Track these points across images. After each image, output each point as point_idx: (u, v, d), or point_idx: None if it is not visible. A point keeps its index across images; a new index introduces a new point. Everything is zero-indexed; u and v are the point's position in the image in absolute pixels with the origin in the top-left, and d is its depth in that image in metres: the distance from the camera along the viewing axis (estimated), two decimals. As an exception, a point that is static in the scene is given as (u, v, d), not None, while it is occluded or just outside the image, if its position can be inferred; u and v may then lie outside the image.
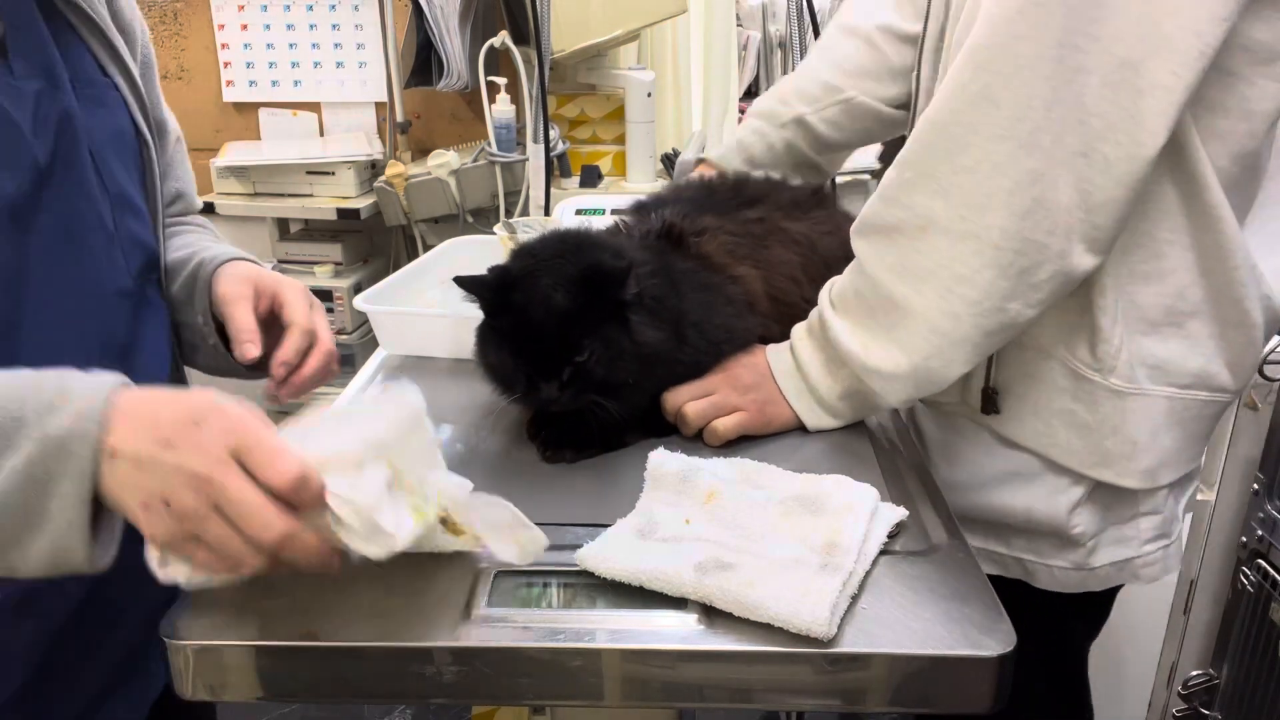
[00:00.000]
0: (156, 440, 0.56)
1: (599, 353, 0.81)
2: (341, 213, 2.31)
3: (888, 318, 0.84)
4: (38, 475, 0.56)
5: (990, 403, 0.91)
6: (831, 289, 0.90)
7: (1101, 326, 0.84)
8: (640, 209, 1.07)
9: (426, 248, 1.92)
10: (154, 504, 0.56)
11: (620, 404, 0.83)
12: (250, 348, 0.83)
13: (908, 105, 1.19)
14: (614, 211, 1.14)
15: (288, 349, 0.84)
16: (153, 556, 0.59)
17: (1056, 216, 0.77)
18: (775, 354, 0.93)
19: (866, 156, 1.97)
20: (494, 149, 2.16)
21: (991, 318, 0.80)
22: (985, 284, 0.79)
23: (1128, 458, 0.88)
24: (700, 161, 1.31)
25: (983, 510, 0.96)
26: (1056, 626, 1.03)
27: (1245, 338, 0.87)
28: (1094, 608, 1.04)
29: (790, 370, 0.91)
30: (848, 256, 0.88)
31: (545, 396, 0.82)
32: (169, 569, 0.59)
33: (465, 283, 0.84)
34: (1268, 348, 1.28)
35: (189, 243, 0.94)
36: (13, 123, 0.71)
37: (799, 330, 0.93)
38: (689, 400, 0.89)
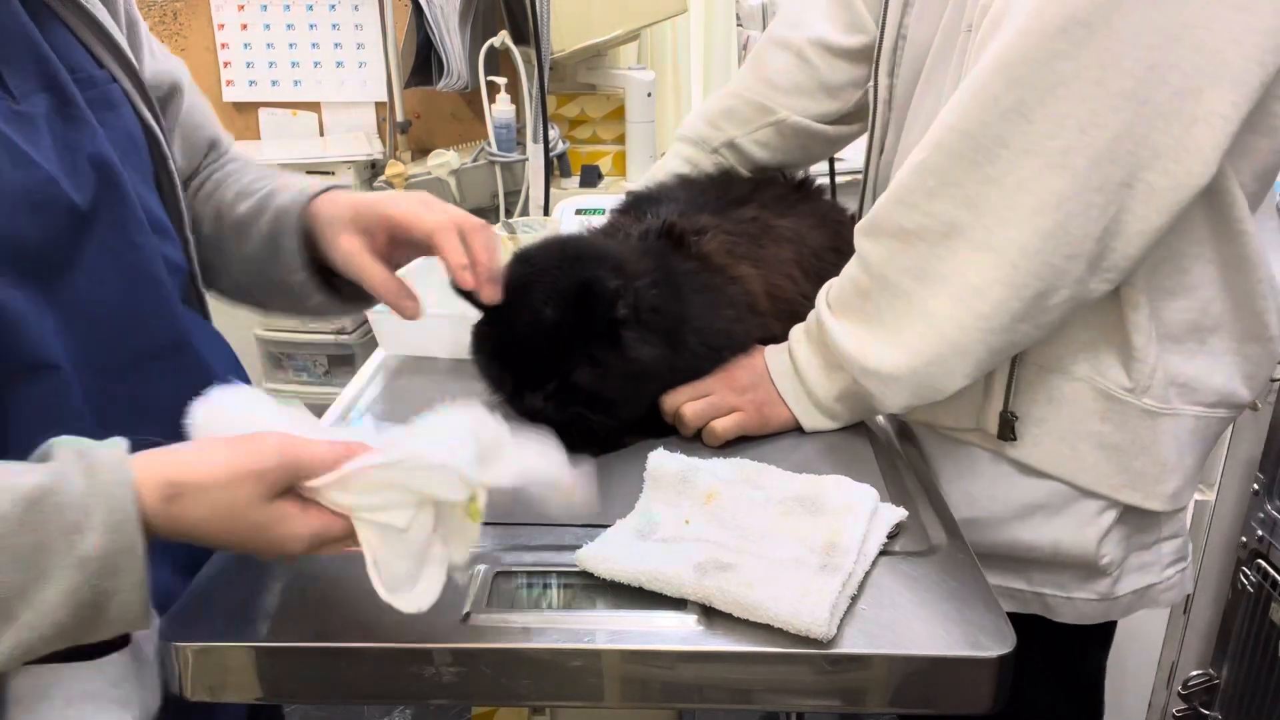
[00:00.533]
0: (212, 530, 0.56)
1: (585, 370, 0.81)
2: (342, 213, 2.31)
3: (896, 318, 0.82)
4: (85, 600, 0.52)
5: (1008, 429, 0.87)
6: (829, 291, 0.89)
7: (1136, 345, 0.81)
8: (635, 205, 1.06)
9: (426, 248, 1.91)
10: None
11: (609, 417, 0.83)
12: (410, 305, 0.79)
13: (844, 121, 1.17)
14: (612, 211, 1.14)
15: (453, 255, 0.77)
16: None
17: (1080, 242, 0.74)
18: (773, 355, 0.93)
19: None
20: (494, 149, 2.16)
21: (998, 336, 0.79)
22: (996, 300, 0.77)
23: (1156, 479, 0.85)
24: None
25: (1004, 547, 0.91)
26: (1077, 655, 1.00)
27: (1263, 351, 0.85)
28: (1108, 628, 1.02)
29: (788, 372, 0.91)
30: (835, 248, 0.88)
31: (529, 407, 0.82)
32: None
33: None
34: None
35: (246, 189, 0.86)
36: (32, 163, 0.63)
37: (797, 332, 0.93)
38: (687, 401, 0.89)
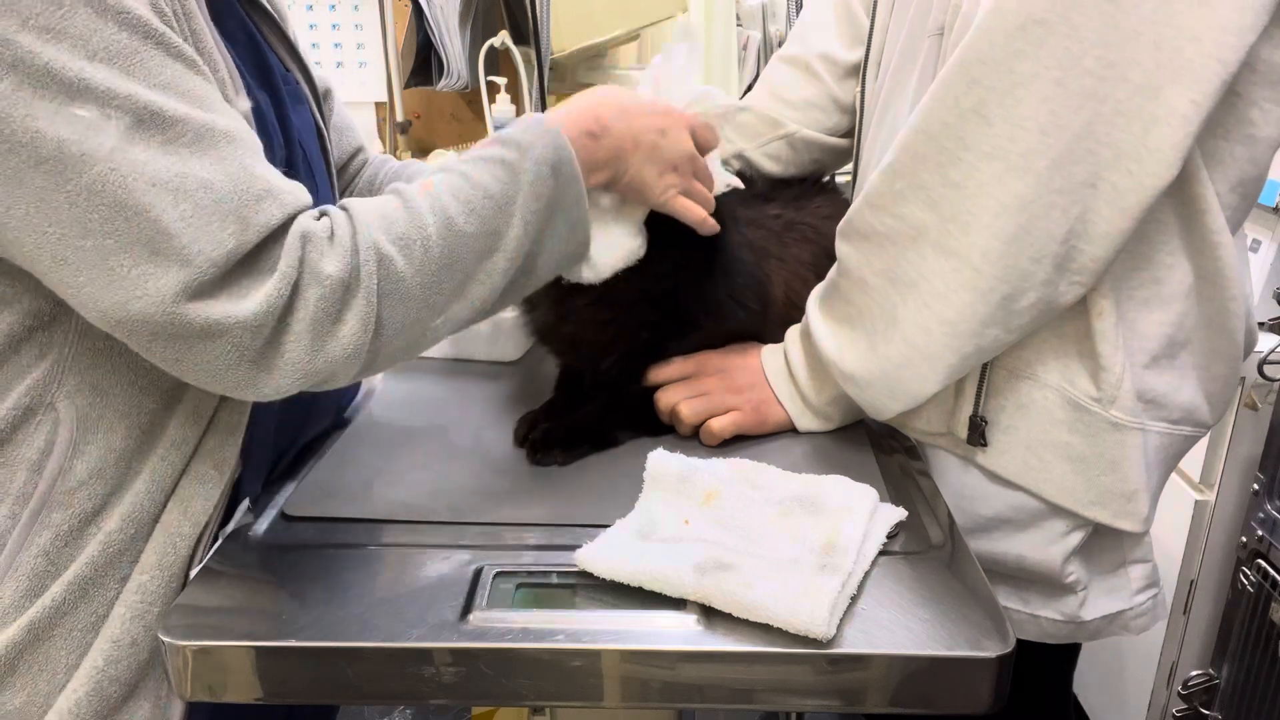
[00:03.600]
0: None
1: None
2: (342, 212, 2.31)
3: (871, 322, 0.82)
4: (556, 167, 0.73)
5: (978, 434, 0.86)
6: (817, 290, 0.90)
7: (1102, 353, 0.80)
8: None
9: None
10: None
11: (562, 423, 0.87)
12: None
13: (853, 134, 1.18)
14: None
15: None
16: None
17: (1045, 245, 0.74)
18: (770, 355, 0.93)
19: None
20: (494, 149, 2.16)
21: (966, 340, 0.78)
22: (961, 305, 0.77)
23: (1125, 497, 0.84)
24: None
25: None
26: (1042, 670, 0.99)
27: (1229, 372, 0.85)
28: (1074, 647, 1.01)
29: (782, 372, 0.91)
30: None
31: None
32: None
33: None
34: (1268, 349, 1.29)
35: (446, 165, 1.01)
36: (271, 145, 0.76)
37: (792, 333, 0.93)
38: (684, 399, 0.89)
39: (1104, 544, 0.88)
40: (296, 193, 0.65)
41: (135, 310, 0.60)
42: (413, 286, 0.68)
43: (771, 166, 1.20)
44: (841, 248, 0.85)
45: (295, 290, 0.63)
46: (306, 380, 0.66)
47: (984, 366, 0.84)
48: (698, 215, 0.83)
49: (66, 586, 0.69)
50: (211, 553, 0.73)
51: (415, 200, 0.70)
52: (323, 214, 0.67)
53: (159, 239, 0.59)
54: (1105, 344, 0.80)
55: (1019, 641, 0.90)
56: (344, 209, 0.68)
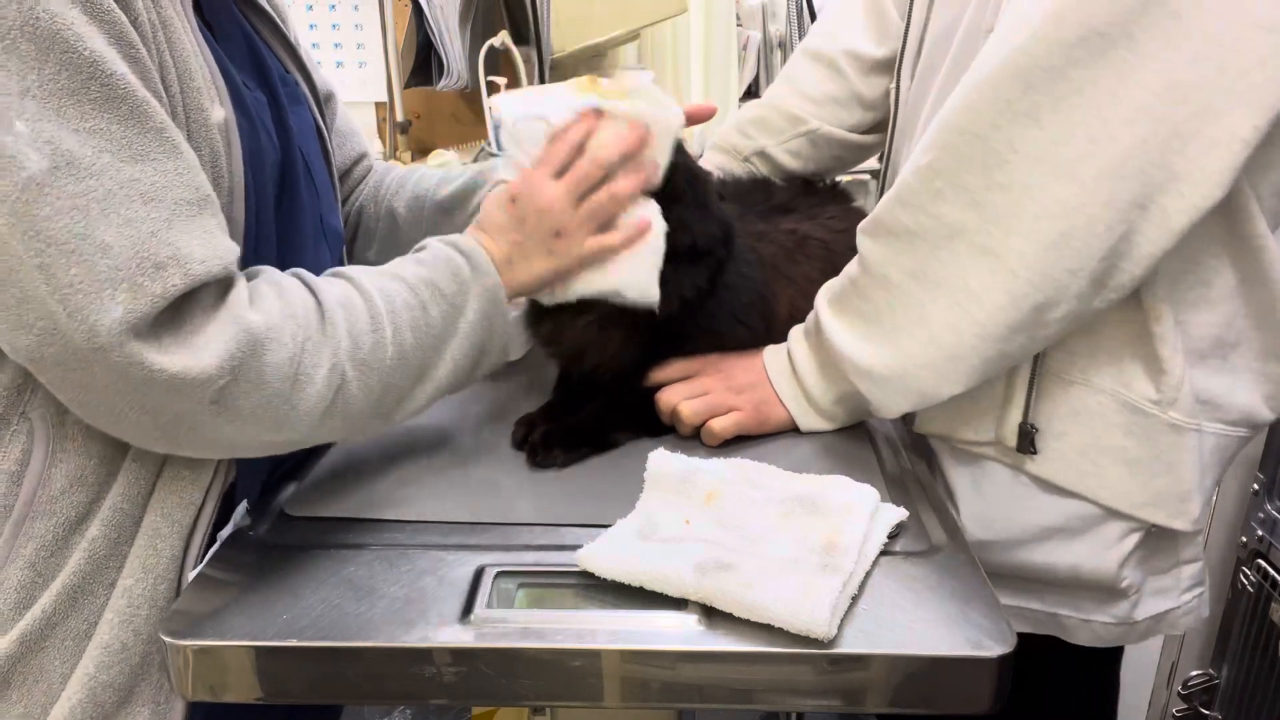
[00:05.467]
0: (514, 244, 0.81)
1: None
2: (342, 212, 2.31)
3: (893, 319, 0.81)
4: (489, 315, 0.79)
5: (1028, 441, 0.84)
6: (829, 289, 0.89)
7: (1162, 356, 0.79)
8: None
9: (426, 248, 1.91)
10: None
11: (562, 424, 0.88)
12: None
13: (877, 129, 1.17)
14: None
15: None
16: None
17: (1085, 259, 0.73)
18: (772, 355, 0.93)
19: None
20: (494, 149, 2.16)
21: (992, 344, 0.77)
22: (993, 307, 0.76)
23: (1180, 498, 0.83)
24: None
25: (1019, 569, 0.89)
26: (1090, 674, 0.99)
27: None
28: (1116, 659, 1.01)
29: (786, 372, 0.91)
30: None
31: None
32: None
33: None
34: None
35: (446, 177, 1.05)
36: (273, 143, 0.78)
37: (796, 332, 0.92)
38: (684, 400, 0.89)
39: (1159, 546, 0.88)
40: (210, 260, 0.63)
41: (48, 354, 0.59)
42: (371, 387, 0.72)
43: (792, 163, 1.20)
44: (865, 244, 0.84)
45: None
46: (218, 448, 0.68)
47: (1032, 373, 0.84)
48: (615, 242, 0.83)
49: (55, 596, 0.69)
50: (211, 554, 0.73)
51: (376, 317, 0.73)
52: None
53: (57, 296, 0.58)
54: (1165, 347, 0.79)
55: (1063, 644, 0.90)
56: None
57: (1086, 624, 0.89)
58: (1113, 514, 0.84)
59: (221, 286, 0.64)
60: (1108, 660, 1.01)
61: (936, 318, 0.79)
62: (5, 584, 0.68)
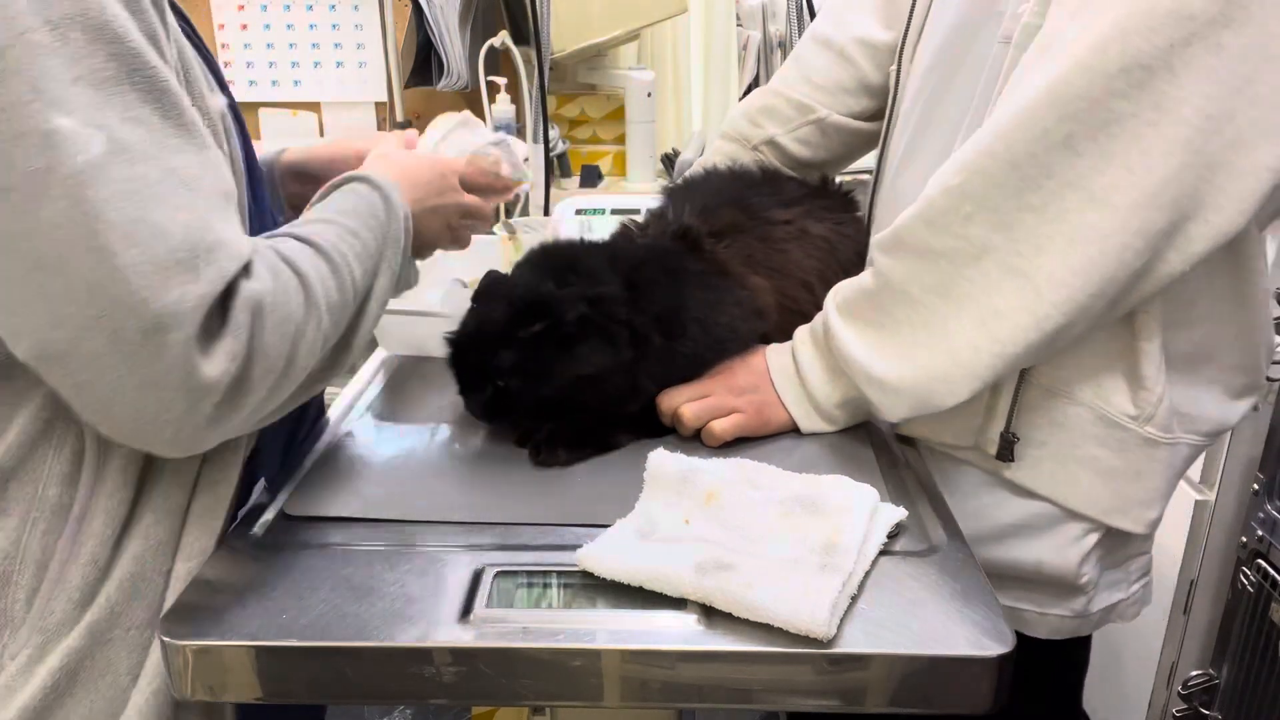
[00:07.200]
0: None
1: (519, 381, 0.83)
2: (342, 212, 2.31)
3: (911, 331, 0.81)
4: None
5: (1008, 450, 0.86)
6: (839, 294, 0.88)
7: (1145, 374, 0.81)
8: (672, 198, 1.07)
9: (426, 248, 1.91)
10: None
11: (566, 424, 0.86)
12: None
13: (881, 116, 1.18)
14: (662, 189, 1.16)
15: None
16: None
17: (1107, 286, 0.74)
18: (775, 356, 0.93)
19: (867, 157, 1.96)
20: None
21: (1005, 363, 0.78)
22: (1015, 327, 0.76)
23: (1145, 504, 0.85)
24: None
25: (985, 565, 0.88)
26: (1057, 666, 1.00)
27: (1249, 380, 0.85)
28: (1082, 649, 1.02)
29: (789, 374, 0.91)
30: (864, 260, 0.88)
31: (472, 406, 0.87)
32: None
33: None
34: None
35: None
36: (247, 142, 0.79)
37: (801, 334, 0.92)
38: (686, 401, 0.89)
39: (1114, 543, 0.90)
40: (245, 250, 0.63)
41: (84, 348, 0.57)
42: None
43: (802, 151, 1.20)
44: (884, 261, 0.83)
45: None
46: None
47: (1016, 384, 0.85)
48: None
49: (119, 585, 0.69)
50: (211, 554, 0.73)
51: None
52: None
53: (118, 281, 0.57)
54: (1150, 365, 0.81)
55: (1028, 641, 0.90)
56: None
57: (1044, 618, 0.92)
58: (1074, 515, 0.87)
59: (244, 275, 0.64)
60: (1075, 653, 1.02)
61: (959, 335, 0.79)
62: (69, 581, 0.69)
